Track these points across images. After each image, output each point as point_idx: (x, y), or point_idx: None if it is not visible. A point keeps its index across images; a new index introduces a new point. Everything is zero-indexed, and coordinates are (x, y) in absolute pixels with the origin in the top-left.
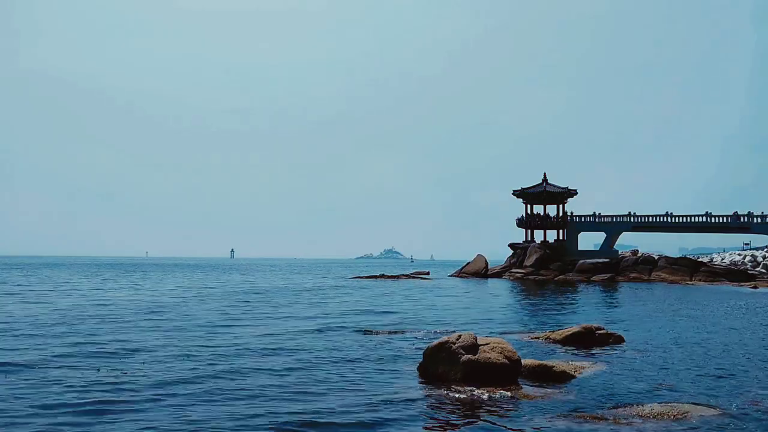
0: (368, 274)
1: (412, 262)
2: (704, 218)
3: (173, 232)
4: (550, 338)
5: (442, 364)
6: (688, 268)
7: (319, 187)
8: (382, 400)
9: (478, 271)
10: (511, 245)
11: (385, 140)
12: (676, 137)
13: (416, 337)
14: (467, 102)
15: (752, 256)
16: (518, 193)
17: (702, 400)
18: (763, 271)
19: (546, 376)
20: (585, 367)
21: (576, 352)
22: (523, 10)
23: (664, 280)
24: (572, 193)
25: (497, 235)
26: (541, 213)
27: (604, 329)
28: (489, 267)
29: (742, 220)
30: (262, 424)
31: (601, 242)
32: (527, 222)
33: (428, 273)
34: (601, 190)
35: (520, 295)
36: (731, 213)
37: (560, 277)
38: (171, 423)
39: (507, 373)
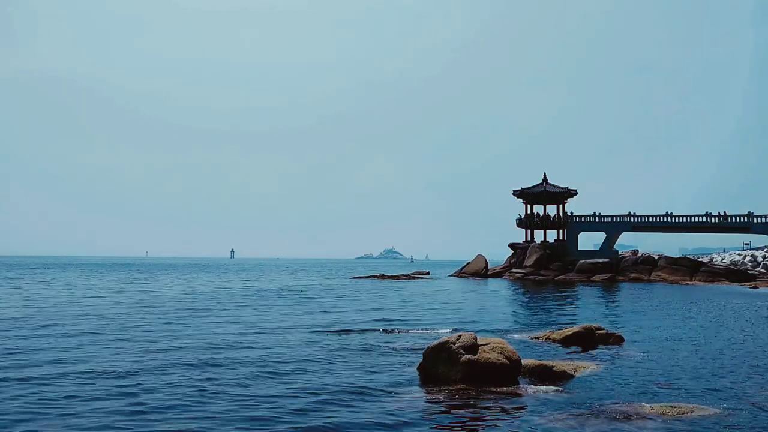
0: (368, 274)
1: (412, 262)
2: (704, 218)
3: (173, 232)
4: (550, 338)
5: (443, 364)
6: (688, 268)
7: (319, 187)
8: (381, 400)
9: (478, 271)
10: (511, 245)
11: (385, 140)
12: (675, 137)
13: (416, 337)
14: (467, 102)
15: (752, 256)
16: (518, 193)
17: (701, 400)
18: (763, 271)
19: (546, 376)
20: (585, 367)
21: (576, 352)
22: (522, 10)
23: (664, 280)
24: (572, 193)
25: (497, 235)
26: (541, 213)
27: (604, 329)
28: (489, 267)
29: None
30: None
31: (601, 242)
32: (527, 222)
33: (428, 273)
34: (601, 190)
35: (520, 295)
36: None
37: (560, 277)
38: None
39: (507, 373)
